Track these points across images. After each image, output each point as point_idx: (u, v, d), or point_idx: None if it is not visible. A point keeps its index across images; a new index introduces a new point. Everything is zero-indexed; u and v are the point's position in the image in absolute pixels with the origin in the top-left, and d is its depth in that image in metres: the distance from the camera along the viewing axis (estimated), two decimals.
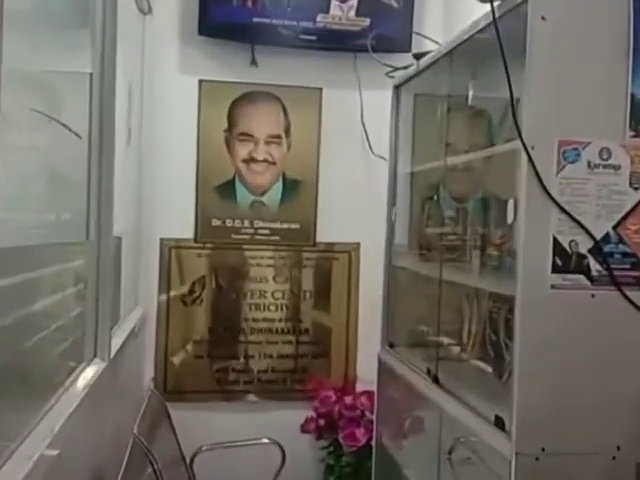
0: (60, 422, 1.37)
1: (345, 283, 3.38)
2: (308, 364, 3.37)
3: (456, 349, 2.70)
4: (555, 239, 1.62)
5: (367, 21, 3.22)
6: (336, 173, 3.32)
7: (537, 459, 1.61)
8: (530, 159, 1.59)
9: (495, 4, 1.77)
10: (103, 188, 1.92)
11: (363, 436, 3.06)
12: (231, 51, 3.23)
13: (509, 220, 1.76)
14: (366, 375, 3.28)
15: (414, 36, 3.16)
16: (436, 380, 2.24)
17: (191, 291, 3.29)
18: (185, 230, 3.27)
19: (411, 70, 2.65)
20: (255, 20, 3.16)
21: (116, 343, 2.18)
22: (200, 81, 3.25)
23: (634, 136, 1.62)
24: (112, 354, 2.03)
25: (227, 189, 3.29)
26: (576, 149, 1.61)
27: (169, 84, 3.21)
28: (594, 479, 1.64)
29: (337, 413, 3.16)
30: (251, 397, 3.32)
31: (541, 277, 1.62)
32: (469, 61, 2.34)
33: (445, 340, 2.80)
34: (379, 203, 3.11)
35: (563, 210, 1.61)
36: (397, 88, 2.83)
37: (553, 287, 1.62)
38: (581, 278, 1.62)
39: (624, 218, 1.63)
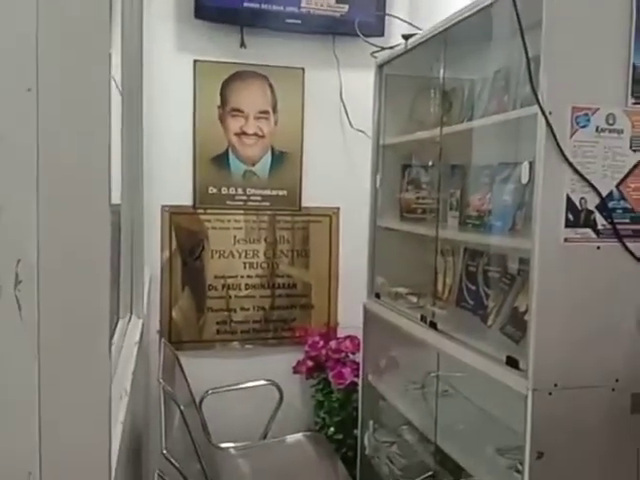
0: (130, 369, 1.20)
1: (327, 243, 3.23)
2: (296, 314, 3.22)
3: (439, 299, 2.61)
4: (568, 197, 1.51)
5: (345, 7, 3.03)
6: (318, 145, 3.14)
7: (550, 394, 1.53)
8: (548, 123, 1.47)
9: None
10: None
11: (349, 374, 2.95)
12: (223, 34, 2.99)
13: (523, 181, 1.64)
14: (346, 322, 3.18)
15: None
16: (433, 326, 2.13)
17: (191, 252, 3.09)
18: (184, 198, 3.06)
19: (397, 50, 2.49)
20: (245, 5, 2.93)
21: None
22: (195, 61, 3.00)
23: (635, 103, 1.52)
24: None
25: (221, 160, 3.08)
26: (587, 114, 1.50)
27: (167, 63, 2.95)
28: (597, 409, 1.57)
29: (324, 355, 3.05)
30: (248, 345, 3.16)
31: (556, 231, 1.51)
32: (452, 44, 2.19)
33: (427, 290, 2.72)
34: (357, 172, 2.99)
35: (576, 171, 1.50)
36: (380, 67, 2.67)
37: (566, 240, 1.52)
38: (589, 232, 1.53)
39: (625, 177, 1.53)
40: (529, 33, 1.57)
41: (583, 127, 1.50)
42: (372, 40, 2.78)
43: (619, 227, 1.53)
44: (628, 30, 1.50)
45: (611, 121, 1.51)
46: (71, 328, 0.77)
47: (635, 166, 1.53)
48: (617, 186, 1.53)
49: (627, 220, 1.54)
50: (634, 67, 1.51)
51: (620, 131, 1.52)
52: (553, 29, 1.48)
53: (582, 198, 1.51)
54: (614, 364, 1.57)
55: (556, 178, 1.50)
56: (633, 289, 1.56)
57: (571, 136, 1.50)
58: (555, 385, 1.53)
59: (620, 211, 1.53)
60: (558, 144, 1.47)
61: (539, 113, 1.49)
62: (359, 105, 2.99)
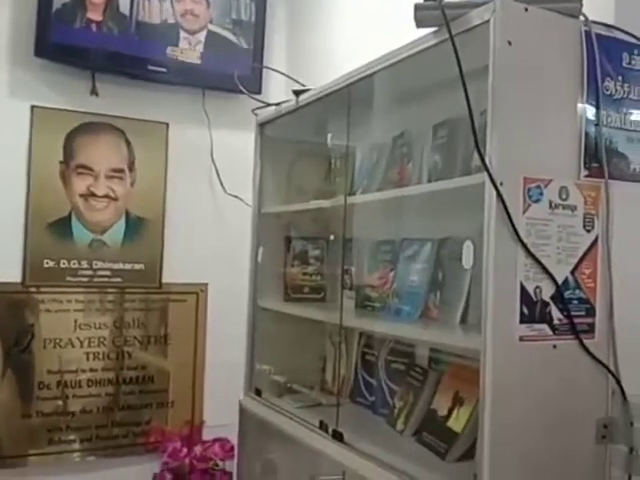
0: None
1: (192, 326, 2.78)
2: (151, 414, 2.71)
3: (329, 392, 2.27)
4: (522, 285, 1.26)
5: (219, 58, 2.72)
6: (184, 211, 2.75)
7: None
8: (500, 196, 1.22)
9: (432, 30, 1.41)
10: None
11: None
12: (70, 77, 2.55)
13: (467, 265, 1.37)
14: (214, 421, 2.73)
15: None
16: (338, 437, 1.76)
17: (16, 341, 2.49)
18: (11, 272, 2.48)
19: (284, 107, 2.20)
20: (99, 46, 2.52)
21: None
22: (32, 107, 2.51)
23: (587, 175, 1.33)
24: None
25: (62, 227, 2.56)
26: (539, 187, 1.28)
27: None
28: None
29: (188, 465, 2.55)
30: (90, 457, 2.57)
31: (510, 328, 1.25)
32: (351, 105, 1.95)
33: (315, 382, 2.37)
34: (231, 243, 2.63)
35: (530, 254, 1.26)
36: (262, 126, 2.37)
37: (521, 339, 1.25)
38: (545, 328, 1.28)
39: (579, 262, 1.32)
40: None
41: (536, 202, 1.27)
42: (240, 99, 2.51)
43: (576, 321, 1.30)
44: (580, 96, 1.33)
45: (564, 196, 1.30)
46: None
47: (589, 248, 1.33)
48: (572, 272, 1.31)
49: (583, 313, 1.32)
50: (586, 135, 1.32)
51: (573, 207, 1.31)
52: (503, 84, 1.26)
53: (537, 287, 1.27)
54: (575, 471, 1.31)
55: (509, 262, 1.25)
56: (592, 396, 1.33)
57: (524, 212, 1.26)
58: None
59: (576, 302, 1.31)
60: (511, 221, 1.23)
61: (487, 184, 1.24)
62: (234, 168, 2.67)
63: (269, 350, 2.34)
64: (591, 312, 1.33)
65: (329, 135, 2.49)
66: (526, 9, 1.27)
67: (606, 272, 1.34)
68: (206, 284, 2.78)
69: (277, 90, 2.60)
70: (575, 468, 1.31)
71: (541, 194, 1.28)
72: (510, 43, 1.24)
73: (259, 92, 2.67)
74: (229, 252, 2.65)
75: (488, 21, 1.26)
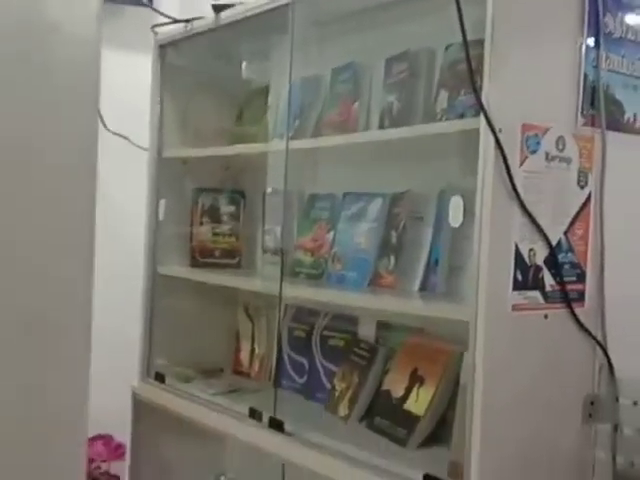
0: None
1: None
2: None
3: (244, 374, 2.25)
4: (517, 248, 1.28)
5: None
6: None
7: None
8: (499, 144, 1.21)
9: None
10: None
11: None
12: None
13: (455, 223, 1.37)
14: (94, 415, 2.61)
15: None
16: (277, 425, 1.74)
17: None
18: None
19: (197, 26, 2.09)
20: None
21: None
22: None
23: (584, 124, 1.36)
24: None
25: None
26: (537, 136, 1.28)
27: None
28: None
29: None
30: None
31: (503, 296, 1.26)
32: (279, 28, 1.88)
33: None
34: (115, 192, 2.50)
35: (527, 212, 1.28)
36: (162, 48, 2.22)
37: (514, 308, 1.28)
38: (537, 295, 1.29)
39: (573, 222, 1.36)
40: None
41: (533, 152, 1.29)
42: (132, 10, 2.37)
43: (567, 288, 1.36)
44: (580, 32, 1.35)
45: (561, 146, 1.31)
46: None
47: (582, 207, 1.38)
48: (565, 233, 1.36)
49: (574, 279, 1.34)
50: (585, 77, 1.36)
51: (569, 160, 1.33)
52: (500, 20, 1.25)
53: (531, 250, 1.29)
54: (559, 471, 1.39)
55: (504, 222, 1.25)
56: (580, 370, 1.40)
57: (521, 164, 1.28)
58: None
59: (568, 266, 1.35)
60: (509, 174, 1.25)
61: (483, 130, 1.24)
62: (120, 100, 2.51)
63: (171, 327, 2.27)
64: (582, 278, 1.36)
65: (243, 64, 2.42)
66: None
67: (598, 234, 1.36)
68: None
69: (171, 6, 2.49)
70: (562, 454, 1.38)
71: (538, 144, 1.27)
72: None
73: (150, 4, 2.53)
74: (115, 204, 2.52)
75: None
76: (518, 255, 1.23)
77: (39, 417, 0.80)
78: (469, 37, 1.18)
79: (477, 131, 1.19)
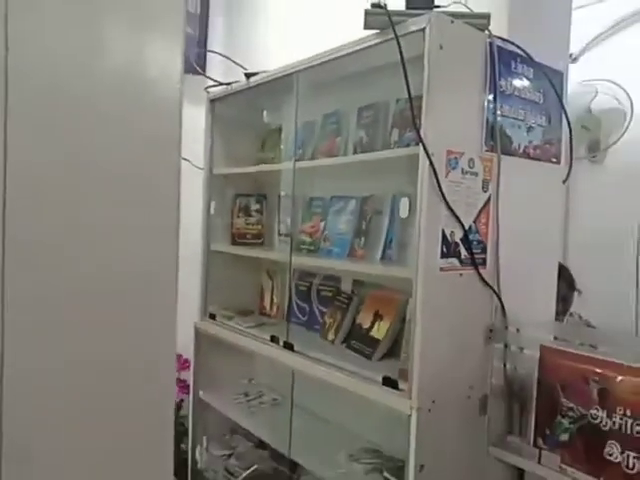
0: None
1: None
2: None
3: (267, 315, 2.28)
4: (443, 231, 1.32)
5: None
6: None
7: (429, 410, 1.32)
8: (431, 164, 1.27)
9: (374, 32, 1.40)
10: None
11: (176, 393, 2.43)
12: None
13: (403, 215, 1.41)
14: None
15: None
16: (289, 347, 1.78)
17: None
18: None
19: (235, 87, 2.10)
20: None
21: None
22: None
23: (487, 150, 1.40)
24: None
25: None
26: (456, 158, 1.33)
27: None
28: (460, 415, 1.40)
29: None
30: None
31: (434, 261, 1.31)
32: (282, 89, 1.90)
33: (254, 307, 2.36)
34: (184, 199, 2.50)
35: (449, 207, 1.32)
36: (212, 102, 2.25)
37: (441, 269, 1.33)
38: (455, 261, 1.36)
39: (479, 214, 1.41)
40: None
41: (454, 169, 1.33)
42: (191, 77, 2.36)
43: (475, 256, 1.40)
44: (484, 91, 1.38)
45: (471, 165, 1.37)
46: None
47: (485, 204, 1.42)
48: (474, 221, 1.39)
49: (479, 250, 1.42)
50: (487, 121, 1.39)
51: (476, 174, 1.39)
52: (436, 78, 1.28)
53: (452, 232, 1.34)
54: (469, 375, 1.43)
55: (434, 214, 1.31)
56: (483, 310, 1.44)
57: (446, 176, 1.32)
58: (433, 402, 1.32)
59: (475, 243, 1.40)
60: (438, 183, 1.28)
61: (422, 154, 1.28)
62: (186, 137, 2.51)
63: (219, 284, 2.29)
64: (484, 250, 1.43)
65: (264, 112, 2.43)
66: (452, 21, 1.29)
67: (494, 221, 1.44)
68: None
69: (216, 73, 2.48)
70: (471, 363, 1.43)
71: (457, 163, 1.34)
72: (441, 47, 1.27)
73: (204, 72, 2.53)
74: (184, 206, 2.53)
75: (424, 29, 1.27)
76: (444, 236, 1.28)
77: (144, 339, 0.81)
78: (412, 93, 1.19)
79: (417, 155, 1.23)
